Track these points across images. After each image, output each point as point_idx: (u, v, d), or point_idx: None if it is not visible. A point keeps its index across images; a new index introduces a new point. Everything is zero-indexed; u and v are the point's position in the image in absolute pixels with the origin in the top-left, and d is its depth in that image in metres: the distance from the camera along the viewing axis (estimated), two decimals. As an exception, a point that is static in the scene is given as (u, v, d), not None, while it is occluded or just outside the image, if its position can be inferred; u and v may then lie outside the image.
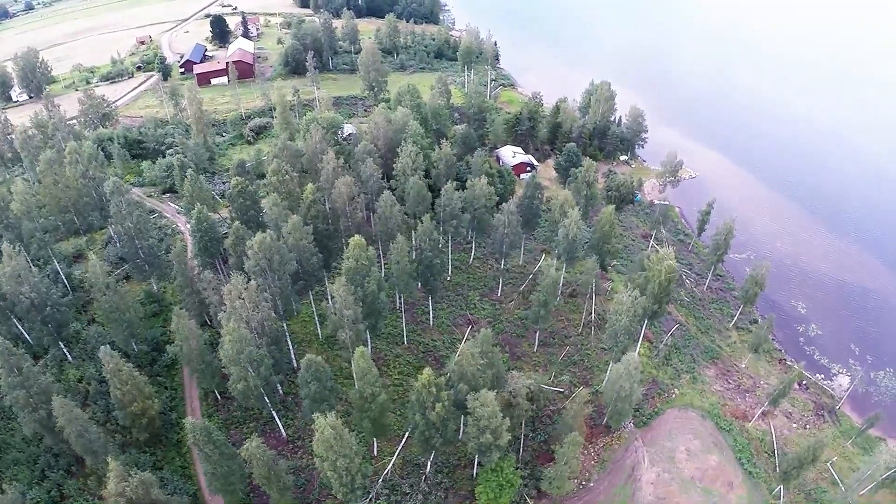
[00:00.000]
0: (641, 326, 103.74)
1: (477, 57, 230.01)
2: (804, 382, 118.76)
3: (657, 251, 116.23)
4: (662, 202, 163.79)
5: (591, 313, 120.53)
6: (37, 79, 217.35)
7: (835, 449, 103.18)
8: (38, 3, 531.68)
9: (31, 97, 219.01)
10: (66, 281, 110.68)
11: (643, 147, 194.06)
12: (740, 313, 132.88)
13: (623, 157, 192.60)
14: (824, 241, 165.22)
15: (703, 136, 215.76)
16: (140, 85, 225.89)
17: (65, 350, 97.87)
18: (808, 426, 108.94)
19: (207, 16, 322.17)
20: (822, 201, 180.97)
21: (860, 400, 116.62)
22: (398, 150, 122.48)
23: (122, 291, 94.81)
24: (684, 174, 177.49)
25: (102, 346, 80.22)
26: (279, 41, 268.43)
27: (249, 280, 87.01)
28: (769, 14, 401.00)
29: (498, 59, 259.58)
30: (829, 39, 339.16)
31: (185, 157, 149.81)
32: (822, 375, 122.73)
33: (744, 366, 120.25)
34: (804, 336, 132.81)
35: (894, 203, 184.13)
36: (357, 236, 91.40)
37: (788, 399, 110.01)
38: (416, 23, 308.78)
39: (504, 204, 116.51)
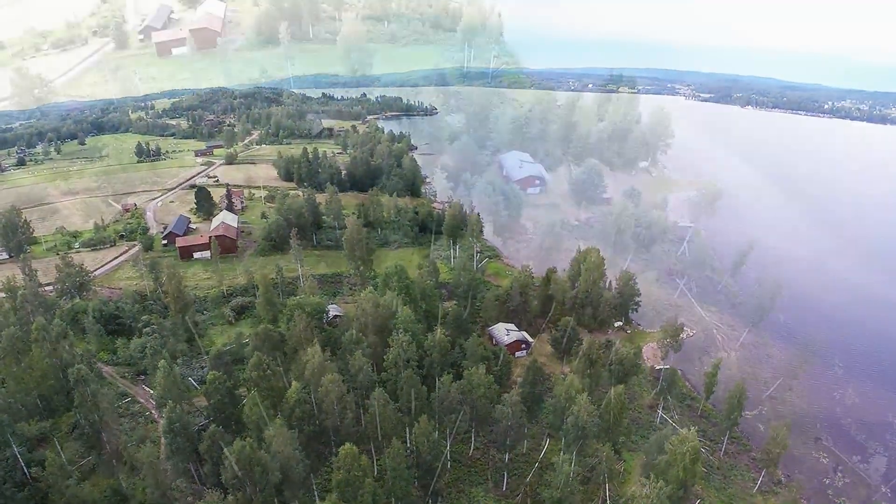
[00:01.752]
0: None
1: (461, 230, 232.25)
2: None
3: (675, 429, 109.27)
4: (665, 367, 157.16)
5: (605, 501, 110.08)
6: (17, 238, 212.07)
7: None
8: (31, 160, 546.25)
9: (10, 256, 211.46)
10: (25, 468, 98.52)
11: (637, 311, 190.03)
12: (763, 476, 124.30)
13: (617, 324, 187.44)
14: (835, 381, 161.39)
15: (692, 289, 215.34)
16: (122, 254, 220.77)
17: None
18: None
19: (192, 186, 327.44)
20: (825, 342, 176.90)
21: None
22: (389, 339, 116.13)
23: (84, 493, 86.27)
24: (682, 334, 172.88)
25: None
26: (263, 215, 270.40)
27: (227, 494, 76.85)
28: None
29: (482, 231, 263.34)
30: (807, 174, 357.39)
31: (163, 336, 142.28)
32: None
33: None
34: (833, 488, 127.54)
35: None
36: (348, 444, 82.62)
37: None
38: (398, 196, 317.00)
39: (506, 395, 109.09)
